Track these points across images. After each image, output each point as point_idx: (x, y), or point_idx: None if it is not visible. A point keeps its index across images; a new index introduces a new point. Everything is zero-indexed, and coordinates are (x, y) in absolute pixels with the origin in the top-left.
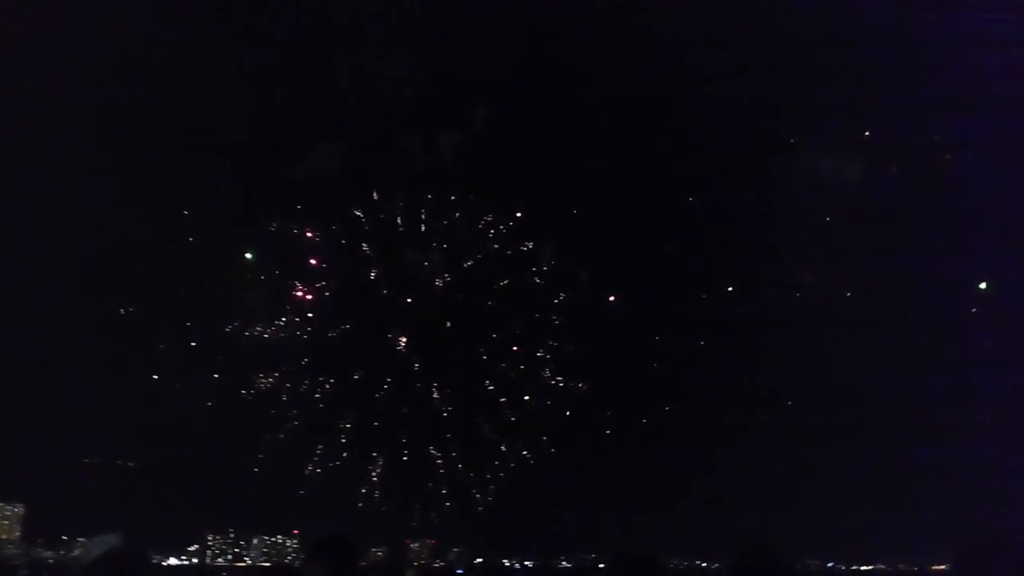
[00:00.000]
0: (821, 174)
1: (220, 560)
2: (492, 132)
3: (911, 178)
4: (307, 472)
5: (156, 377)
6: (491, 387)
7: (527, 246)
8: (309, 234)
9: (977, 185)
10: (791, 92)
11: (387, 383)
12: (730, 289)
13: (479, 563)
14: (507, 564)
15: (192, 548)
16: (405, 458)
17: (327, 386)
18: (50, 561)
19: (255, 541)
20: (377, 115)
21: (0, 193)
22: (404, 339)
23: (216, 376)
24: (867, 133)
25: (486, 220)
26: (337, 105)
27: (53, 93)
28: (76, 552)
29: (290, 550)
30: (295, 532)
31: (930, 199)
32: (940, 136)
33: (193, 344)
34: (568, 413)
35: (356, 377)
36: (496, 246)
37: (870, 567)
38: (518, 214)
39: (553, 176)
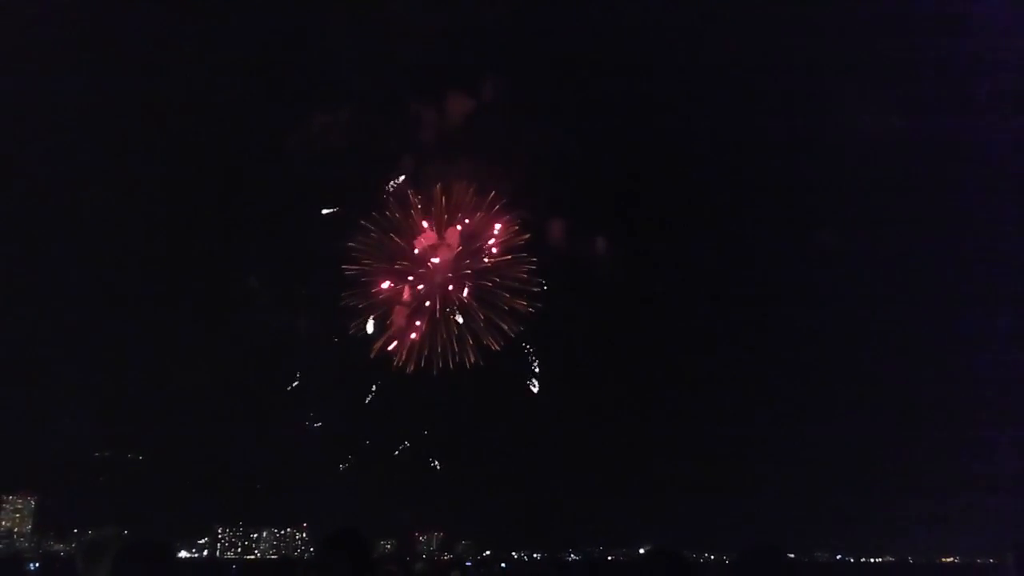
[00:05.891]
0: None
1: (230, 552)
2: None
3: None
4: (315, 466)
5: (166, 372)
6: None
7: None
8: None
9: None
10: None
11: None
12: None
13: (487, 555)
14: (515, 556)
15: (202, 541)
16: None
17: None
18: (61, 554)
19: (264, 534)
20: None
21: (10, 193)
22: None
23: (226, 371)
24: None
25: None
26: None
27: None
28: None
29: (299, 543)
30: (304, 525)
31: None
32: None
33: (203, 339)
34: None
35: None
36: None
37: (879, 559)
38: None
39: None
